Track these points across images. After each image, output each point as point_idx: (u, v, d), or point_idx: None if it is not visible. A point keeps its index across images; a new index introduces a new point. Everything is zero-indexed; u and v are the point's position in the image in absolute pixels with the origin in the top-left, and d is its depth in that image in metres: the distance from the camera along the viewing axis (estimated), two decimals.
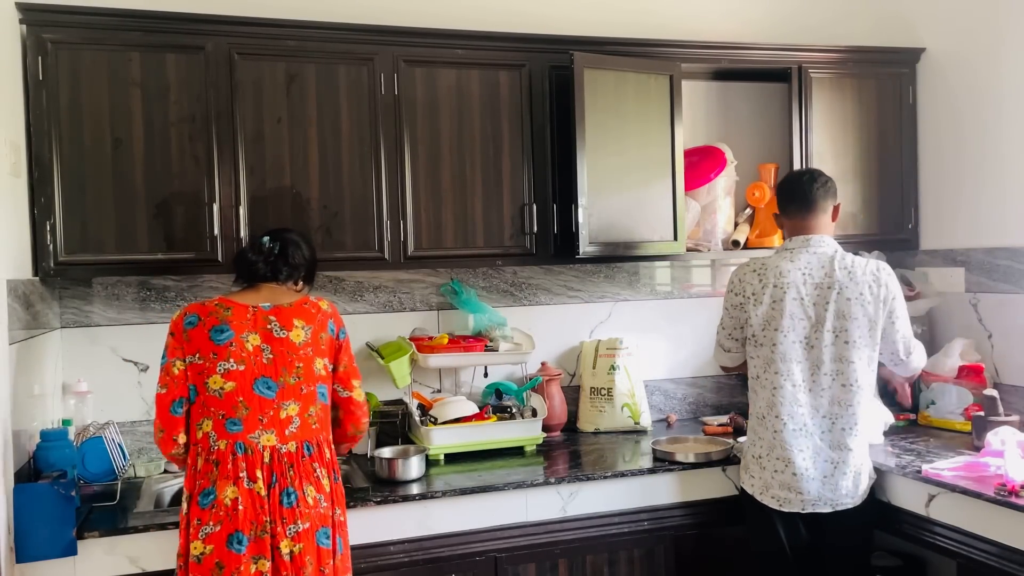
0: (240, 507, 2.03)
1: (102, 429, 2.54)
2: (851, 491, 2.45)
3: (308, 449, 2.13)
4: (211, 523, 2.03)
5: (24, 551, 2.16)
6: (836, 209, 2.57)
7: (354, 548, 2.37)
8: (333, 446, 2.26)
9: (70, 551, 2.19)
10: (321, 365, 2.18)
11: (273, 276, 2.25)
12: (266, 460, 2.07)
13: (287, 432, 2.10)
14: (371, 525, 2.42)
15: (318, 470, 2.13)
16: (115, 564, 2.25)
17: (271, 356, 2.12)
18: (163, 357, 2.15)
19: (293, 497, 2.07)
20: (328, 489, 2.14)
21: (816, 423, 2.45)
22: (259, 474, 2.06)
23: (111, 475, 2.47)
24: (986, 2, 3.12)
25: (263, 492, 2.05)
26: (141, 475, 2.73)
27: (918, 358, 2.55)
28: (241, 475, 2.05)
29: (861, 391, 2.45)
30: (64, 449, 2.36)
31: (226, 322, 2.12)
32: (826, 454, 2.44)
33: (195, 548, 2.03)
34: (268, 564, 2.03)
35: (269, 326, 2.14)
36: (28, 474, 2.33)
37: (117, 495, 2.43)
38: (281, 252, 2.26)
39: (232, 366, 2.09)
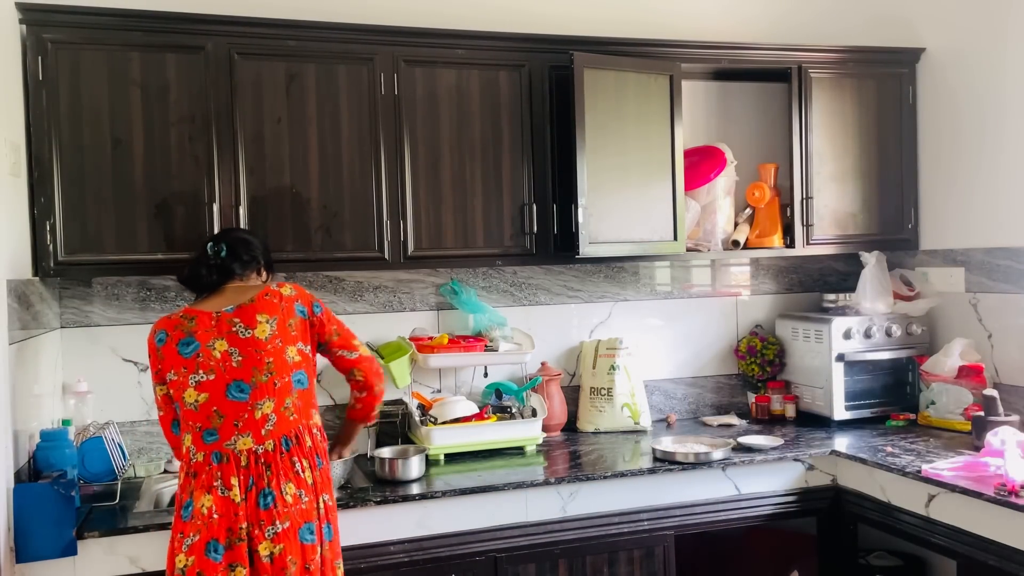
0: (215, 515, 2.03)
1: (102, 429, 2.54)
2: None
3: (286, 444, 2.11)
4: (192, 534, 2.03)
5: (24, 551, 2.16)
6: None
7: (354, 548, 2.37)
8: (367, 410, 2.36)
9: (70, 551, 2.19)
10: (295, 351, 2.17)
11: (225, 277, 2.25)
12: (243, 464, 2.07)
13: (263, 432, 2.09)
14: (371, 525, 2.42)
15: (298, 464, 2.11)
16: (115, 564, 2.25)
17: (240, 359, 2.11)
18: (152, 379, 2.21)
19: (270, 498, 2.05)
20: (311, 481, 2.12)
21: None
22: (234, 481, 2.05)
23: (111, 475, 2.48)
24: (985, 2, 3.11)
25: (238, 498, 2.04)
26: (141, 475, 2.73)
27: None
28: (215, 483, 2.05)
29: None
30: (64, 449, 2.36)
31: (191, 333, 2.13)
32: None
33: (179, 561, 2.03)
34: (245, 571, 2.02)
35: (234, 328, 2.13)
36: (28, 474, 2.33)
37: (117, 495, 2.43)
38: (230, 251, 2.26)
39: (203, 377, 2.10)
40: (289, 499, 2.07)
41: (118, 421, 2.74)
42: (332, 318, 2.30)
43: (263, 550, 2.03)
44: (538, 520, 2.57)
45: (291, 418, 2.14)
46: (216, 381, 2.10)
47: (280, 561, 2.04)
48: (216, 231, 2.56)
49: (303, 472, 2.11)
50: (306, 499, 2.10)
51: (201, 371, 2.10)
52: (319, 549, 2.10)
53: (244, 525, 2.03)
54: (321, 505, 2.14)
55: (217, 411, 2.09)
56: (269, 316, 2.16)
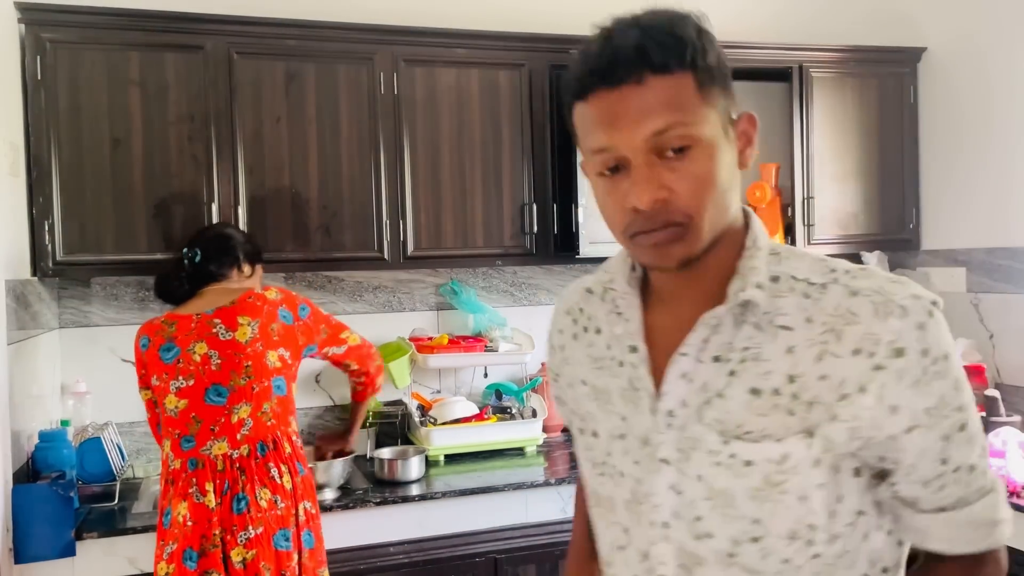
0: (190, 522, 2.01)
1: (101, 430, 2.54)
2: None
3: (262, 449, 2.08)
4: (171, 542, 2.02)
5: (23, 552, 2.15)
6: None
7: (354, 549, 2.37)
8: (370, 389, 2.43)
9: (69, 552, 2.19)
10: (275, 357, 2.14)
11: (200, 283, 2.21)
12: (219, 468, 2.05)
13: (238, 436, 2.07)
14: (371, 526, 2.42)
15: (274, 469, 2.07)
16: (114, 565, 2.25)
17: (219, 361, 2.09)
18: (138, 383, 2.21)
19: (244, 503, 2.03)
20: (289, 487, 2.09)
21: None
22: (209, 486, 2.03)
23: (110, 476, 2.47)
24: (987, 1, 3.11)
25: (212, 504, 2.02)
26: (140, 475, 2.72)
27: None
28: (191, 490, 2.03)
29: None
30: (63, 450, 2.36)
31: (171, 339, 2.11)
32: None
33: (161, 569, 2.03)
34: None
35: (214, 330, 2.11)
36: (27, 475, 2.32)
37: (116, 496, 2.43)
38: (204, 255, 2.21)
39: (183, 383, 2.08)
40: (263, 504, 2.04)
41: (117, 422, 2.74)
42: (320, 316, 2.26)
43: (235, 556, 2.01)
44: (538, 521, 2.56)
45: (268, 423, 2.11)
46: (196, 386, 2.08)
47: (253, 567, 2.01)
48: None
49: (280, 478, 2.08)
50: (282, 505, 2.06)
51: (181, 377, 2.08)
52: (295, 556, 2.06)
53: (217, 531, 2.01)
54: (300, 512, 2.09)
55: (195, 416, 2.07)
56: (251, 319, 2.13)
